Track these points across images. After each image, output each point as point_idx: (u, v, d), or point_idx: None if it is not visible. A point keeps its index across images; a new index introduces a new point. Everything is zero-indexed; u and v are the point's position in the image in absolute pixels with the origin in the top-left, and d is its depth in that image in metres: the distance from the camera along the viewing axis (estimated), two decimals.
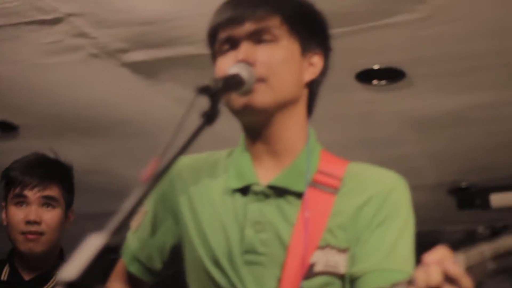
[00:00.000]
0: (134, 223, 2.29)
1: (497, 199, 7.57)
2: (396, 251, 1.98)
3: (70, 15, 4.42)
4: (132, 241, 2.31)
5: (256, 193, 2.06)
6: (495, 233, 7.93)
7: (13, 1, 4.24)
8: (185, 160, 2.20)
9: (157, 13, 4.43)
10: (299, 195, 2.05)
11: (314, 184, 2.06)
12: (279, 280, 1.98)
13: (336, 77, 5.43)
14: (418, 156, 6.71)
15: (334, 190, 2.06)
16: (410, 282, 1.64)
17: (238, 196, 2.09)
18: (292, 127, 2.09)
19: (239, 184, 2.09)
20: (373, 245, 1.98)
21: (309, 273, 1.98)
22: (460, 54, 4.91)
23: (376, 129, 6.11)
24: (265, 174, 2.09)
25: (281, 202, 2.05)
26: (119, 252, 2.32)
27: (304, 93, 2.14)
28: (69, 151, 6.62)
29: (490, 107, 5.70)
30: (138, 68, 5.11)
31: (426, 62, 5.03)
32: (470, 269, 1.58)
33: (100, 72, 5.18)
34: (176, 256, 2.25)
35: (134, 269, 2.32)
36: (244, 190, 2.09)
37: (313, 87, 2.16)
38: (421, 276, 1.60)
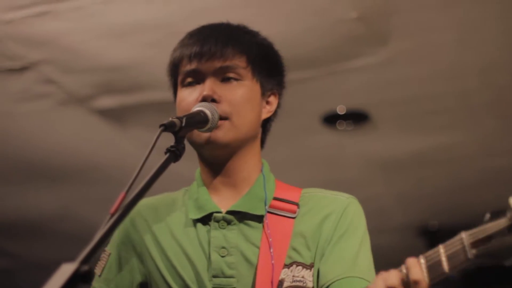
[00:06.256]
0: (98, 268, 2.28)
1: None
2: (358, 261, 2.08)
3: (38, 62, 4.49)
4: (99, 284, 2.28)
5: (218, 220, 2.12)
6: (466, 275, 7.88)
7: None
8: (143, 202, 2.25)
9: (124, 59, 4.51)
10: (259, 219, 2.13)
11: (272, 210, 2.15)
12: None
13: (302, 120, 5.55)
14: (384, 197, 6.77)
15: (292, 214, 2.15)
16: None
17: (200, 225, 2.15)
18: (250, 160, 2.19)
19: (200, 215, 2.15)
20: (336, 257, 2.08)
21: None
22: (422, 96, 5.02)
23: (342, 171, 6.18)
24: (223, 204, 2.15)
25: (243, 227, 2.12)
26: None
27: (260, 129, 2.24)
28: (37, 198, 6.66)
29: (452, 147, 5.80)
30: (106, 114, 5.16)
31: (389, 105, 5.14)
32: (450, 258, 1.64)
33: (69, 119, 5.23)
34: None
35: None
36: (205, 220, 2.14)
37: (267, 124, 2.27)
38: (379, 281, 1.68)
